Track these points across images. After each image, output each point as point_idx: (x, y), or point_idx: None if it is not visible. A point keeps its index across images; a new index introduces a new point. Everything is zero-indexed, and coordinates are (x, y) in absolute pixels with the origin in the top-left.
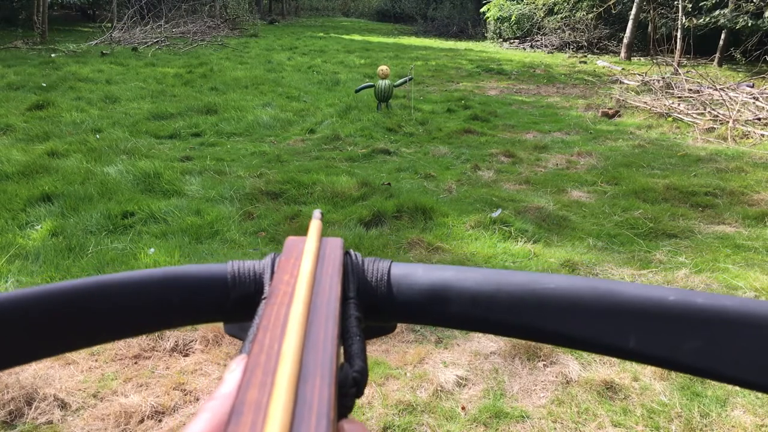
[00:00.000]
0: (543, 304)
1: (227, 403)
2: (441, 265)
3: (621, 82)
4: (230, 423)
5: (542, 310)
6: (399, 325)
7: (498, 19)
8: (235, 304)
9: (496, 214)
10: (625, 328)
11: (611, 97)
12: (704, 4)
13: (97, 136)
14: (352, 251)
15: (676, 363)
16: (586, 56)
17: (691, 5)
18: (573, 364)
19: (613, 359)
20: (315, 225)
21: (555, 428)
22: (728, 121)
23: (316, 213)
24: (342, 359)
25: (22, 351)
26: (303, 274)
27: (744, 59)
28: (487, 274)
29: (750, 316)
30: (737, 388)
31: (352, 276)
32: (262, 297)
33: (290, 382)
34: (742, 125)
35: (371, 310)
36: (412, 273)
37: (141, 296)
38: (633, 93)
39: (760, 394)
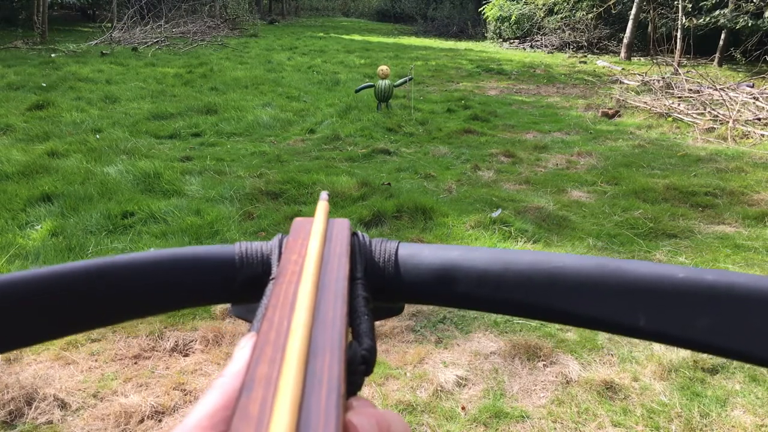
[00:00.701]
0: (551, 283)
1: (237, 379)
2: (448, 245)
3: (621, 82)
4: (241, 397)
5: (551, 289)
6: (399, 324)
7: (498, 19)
8: (242, 285)
9: (496, 214)
10: (634, 306)
11: (611, 97)
12: (704, 4)
13: (97, 136)
14: (359, 232)
15: (686, 340)
16: (586, 56)
17: (691, 5)
18: (573, 364)
19: (613, 359)
20: (322, 206)
21: (555, 428)
22: (728, 121)
23: (323, 194)
24: (350, 338)
25: (34, 331)
26: (311, 254)
27: (744, 59)
28: (494, 254)
29: (761, 293)
30: (737, 387)
31: (359, 256)
32: (270, 278)
33: (300, 357)
34: (742, 125)
35: (379, 290)
36: (420, 253)
37: (149, 277)
38: (633, 93)
39: (760, 394)
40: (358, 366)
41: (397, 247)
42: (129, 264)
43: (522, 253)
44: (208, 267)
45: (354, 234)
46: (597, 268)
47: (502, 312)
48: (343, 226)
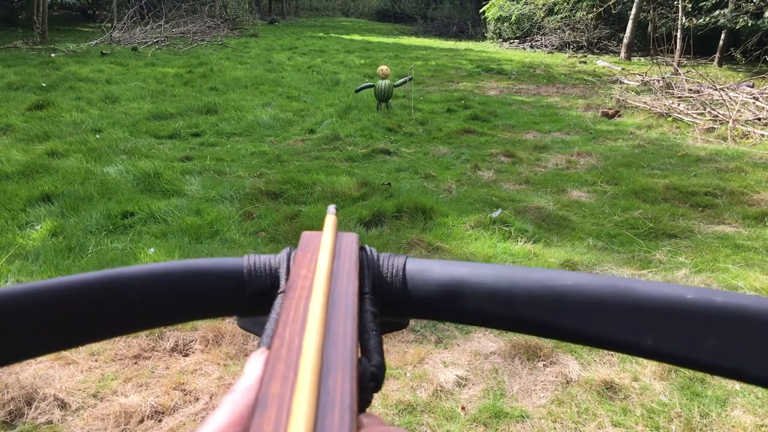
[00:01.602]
0: (560, 301)
1: (248, 396)
2: (456, 261)
3: (621, 82)
4: (254, 416)
5: (559, 307)
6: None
7: (498, 19)
8: (250, 299)
9: (496, 214)
10: (642, 326)
11: (611, 97)
12: (704, 4)
13: (97, 136)
14: (367, 246)
15: (693, 361)
16: (586, 56)
17: (691, 5)
18: (573, 364)
19: (613, 359)
20: (330, 220)
21: (555, 428)
22: (728, 121)
23: (331, 208)
24: (359, 354)
25: (47, 341)
26: (320, 269)
27: (744, 59)
28: (503, 271)
29: None
30: (737, 387)
31: (367, 271)
32: (278, 291)
33: (313, 375)
34: (742, 125)
35: (386, 305)
36: (428, 269)
37: (158, 289)
38: (633, 93)
39: (760, 394)
40: (368, 383)
41: (405, 262)
42: (139, 275)
43: (531, 270)
44: (216, 279)
45: (362, 248)
46: (606, 287)
47: (510, 329)
48: (351, 240)
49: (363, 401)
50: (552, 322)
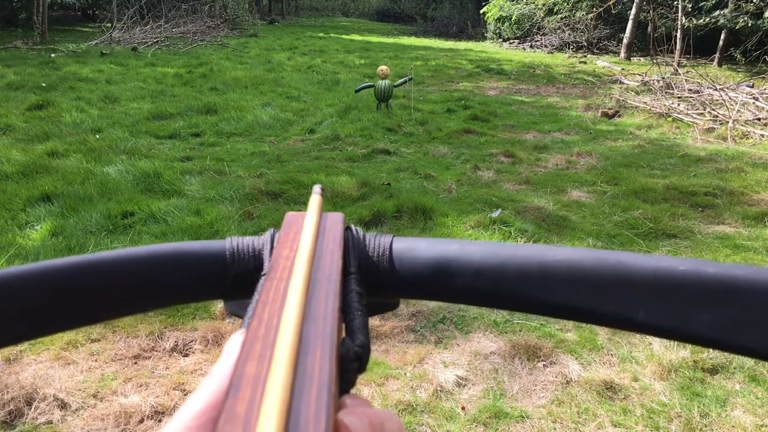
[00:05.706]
0: (549, 277)
1: (226, 378)
2: (444, 239)
3: (621, 82)
4: (228, 397)
5: (548, 283)
6: (399, 324)
7: (498, 19)
8: (234, 282)
9: (496, 214)
10: (634, 300)
11: (611, 97)
12: (704, 4)
13: (97, 136)
14: (353, 226)
15: (686, 334)
16: (585, 56)
17: (691, 5)
18: (573, 364)
19: (613, 359)
20: (315, 200)
21: (555, 428)
22: (728, 121)
23: (316, 188)
24: (344, 335)
25: (19, 329)
26: (303, 249)
27: (744, 59)
28: (491, 248)
29: (764, 285)
30: (737, 387)
31: (353, 251)
32: (262, 273)
33: (290, 354)
34: (742, 125)
35: (373, 285)
36: (415, 247)
37: (139, 273)
38: (633, 93)
39: (760, 394)
40: (351, 363)
41: (392, 241)
42: (118, 260)
43: (519, 246)
44: (198, 263)
45: (347, 228)
46: (596, 261)
47: (500, 307)
48: (336, 220)
49: (346, 382)
50: (542, 298)
